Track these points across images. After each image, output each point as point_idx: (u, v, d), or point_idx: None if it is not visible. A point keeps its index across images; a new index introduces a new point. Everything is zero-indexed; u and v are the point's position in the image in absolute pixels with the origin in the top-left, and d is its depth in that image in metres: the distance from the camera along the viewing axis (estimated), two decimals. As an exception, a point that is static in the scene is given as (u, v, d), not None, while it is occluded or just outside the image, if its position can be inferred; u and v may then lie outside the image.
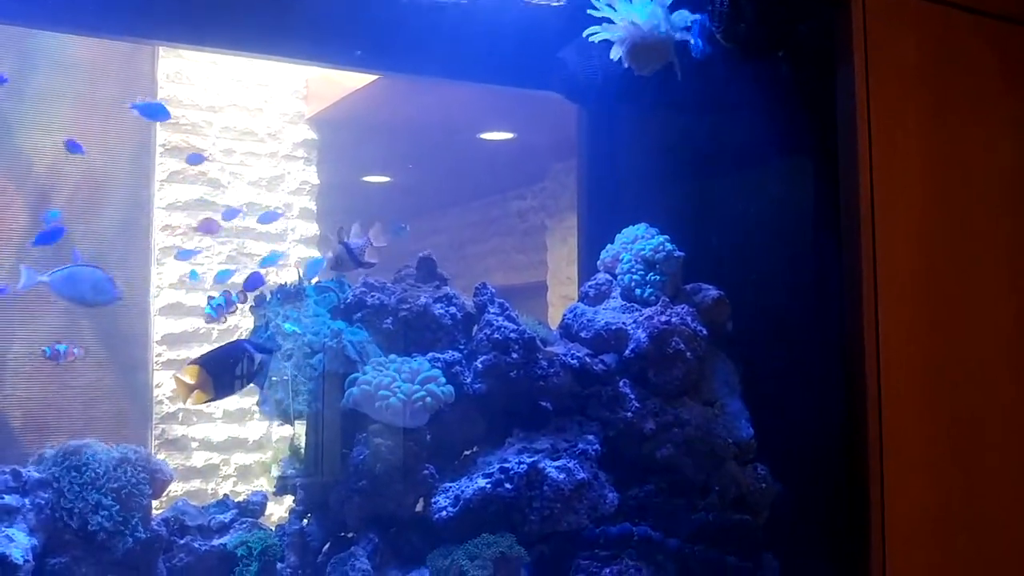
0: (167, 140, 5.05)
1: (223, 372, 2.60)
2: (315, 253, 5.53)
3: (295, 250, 5.42)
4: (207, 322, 3.74)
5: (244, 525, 2.68)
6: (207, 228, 4.40)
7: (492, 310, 2.85)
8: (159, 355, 5.10)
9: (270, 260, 4.70)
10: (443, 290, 2.90)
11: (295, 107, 5.30)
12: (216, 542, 2.62)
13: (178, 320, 5.11)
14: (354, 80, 5.04)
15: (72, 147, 3.41)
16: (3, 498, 2.34)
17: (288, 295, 2.79)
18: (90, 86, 4.91)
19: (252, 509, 2.76)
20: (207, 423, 5.07)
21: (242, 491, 5.10)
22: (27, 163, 4.77)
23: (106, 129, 4.95)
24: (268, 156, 5.23)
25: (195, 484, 4.96)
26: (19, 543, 2.28)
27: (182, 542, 2.58)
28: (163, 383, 5.05)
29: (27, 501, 2.36)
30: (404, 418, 2.63)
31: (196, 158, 4.71)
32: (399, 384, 2.61)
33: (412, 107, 5.24)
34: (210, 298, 3.40)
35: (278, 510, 3.26)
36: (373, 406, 2.61)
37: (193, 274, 4.81)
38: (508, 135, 5.51)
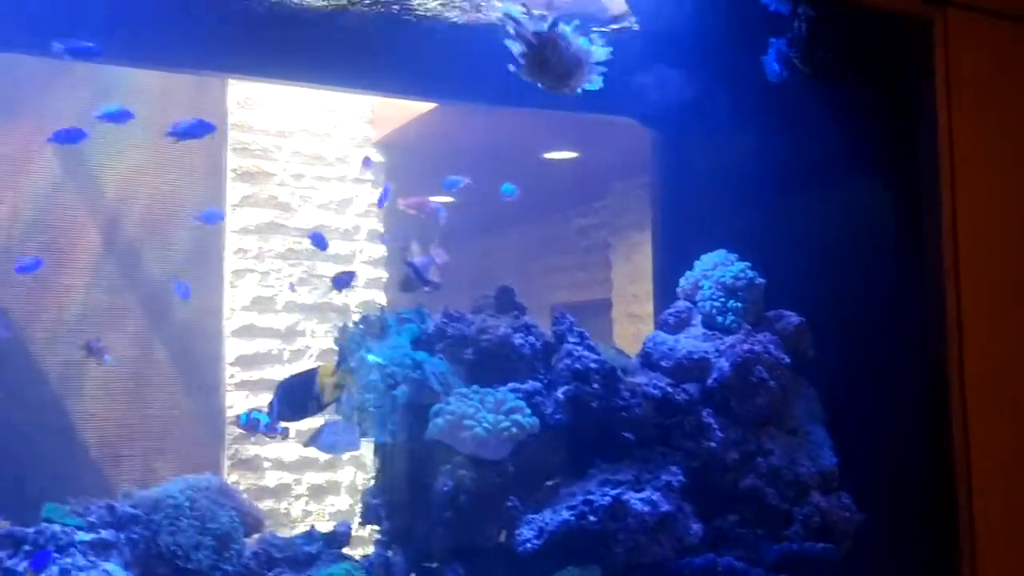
0: (238, 165, 5.15)
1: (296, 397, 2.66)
2: (382, 274, 5.59)
3: (363, 271, 5.48)
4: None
5: (330, 556, 2.70)
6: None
7: (571, 339, 2.84)
8: (232, 376, 5.19)
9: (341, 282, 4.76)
10: (522, 320, 2.90)
11: (362, 131, 5.37)
12: (304, 573, 2.65)
13: (250, 341, 5.20)
14: (419, 104, 5.09)
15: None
16: (100, 532, 2.39)
17: (372, 326, 2.82)
18: (162, 113, 5.02)
19: (338, 540, 2.78)
20: (279, 444, 5.13)
21: (314, 510, 5.15)
22: (100, 190, 4.90)
23: (178, 156, 5.06)
24: (337, 180, 5.31)
25: (268, 504, 5.03)
26: (116, 576, 2.33)
27: (270, 574, 2.61)
28: (236, 404, 5.14)
29: (122, 536, 2.41)
30: (489, 449, 2.63)
31: (211, 217, 4.75)
32: (483, 414, 2.62)
33: (475, 129, 5.27)
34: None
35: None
36: (458, 437, 2.62)
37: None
38: (571, 155, 5.51)
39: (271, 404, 2.67)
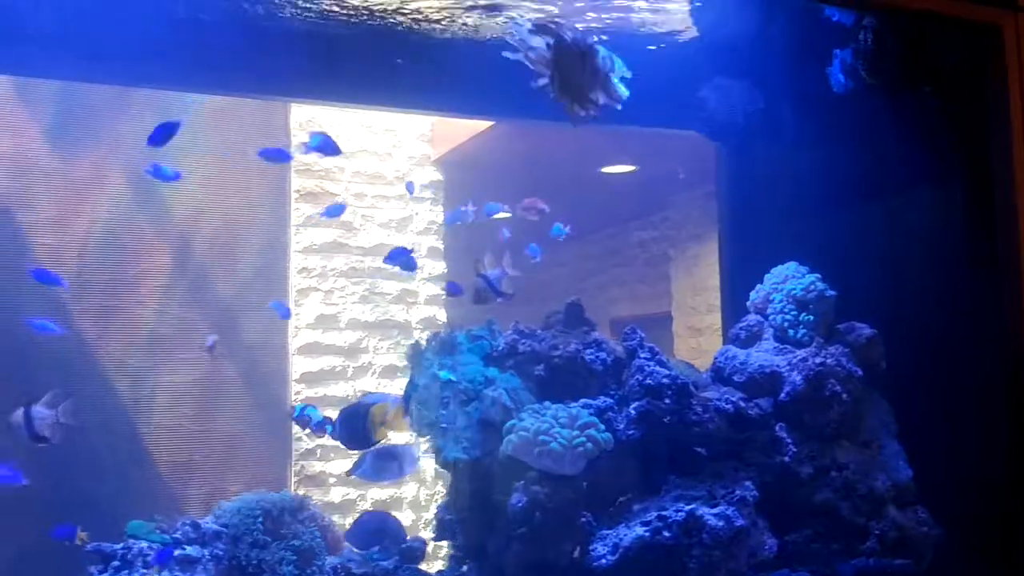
0: (302, 186, 5.24)
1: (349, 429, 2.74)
2: (442, 290, 5.63)
3: (424, 288, 5.53)
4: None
5: (407, 571, 2.73)
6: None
7: (643, 355, 2.85)
8: (297, 393, 5.27)
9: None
10: (592, 335, 2.92)
11: (421, 150, 5.43)
12: (381, 588, 2.68)
13: (316, 359, 5.27)
14: (478, 122, 5.14)
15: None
16: (185, 548, 2.45)
17: (443, 343, 2.85)
18: (227, 136, 5.15)
19: (413, 555, 2.81)
20: (344, 459, 5.19)
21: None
22: (170, 212, 5.02)
23: (243, 177, 5.17)
24: (397, 198, 5.37)
25: (334, 519, 5.09)
26: (202, 591, 2.38)
27: (350, 589, 2.65)
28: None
29: (206, 552, 2.47)
30: (564, 465, 2.64)
31: (335, 210, 4.85)
32: (558, 430, 2.63)
33: (534, 145, 5.30)
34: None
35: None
36: (532, 452, 2.64)
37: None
38: (629, 168, 5.52)
39: (333, 425, 2.73)
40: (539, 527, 2.67)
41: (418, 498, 5.41)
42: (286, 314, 4.61)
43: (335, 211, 4.83)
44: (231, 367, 5.08)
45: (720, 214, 3.59)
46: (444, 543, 2.94)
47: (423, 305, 5.47)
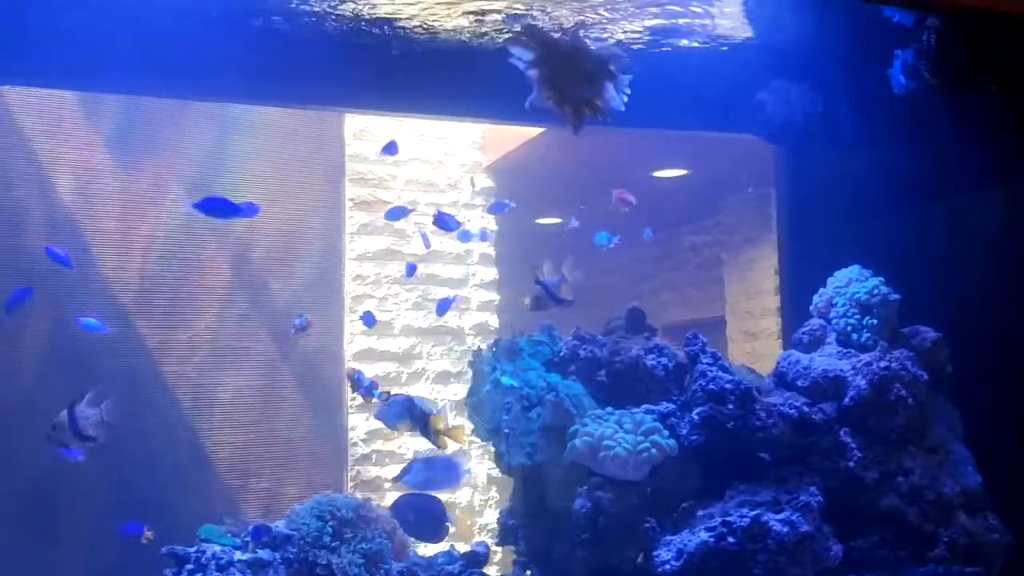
0: (356, 194, 5.29)
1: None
2: (494, 296, 5.65)
3: (476, 294, 5.55)
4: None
5: (471, 575, 2.75)
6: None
7: (705, 360, 2.84)
8: (353, 399, 5.31)
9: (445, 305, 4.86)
10: (653, 341, 2.92)
11: (473, 157, 5.46)
12: (447, 593, 2.71)
13: (370, 365, 5.32)
14: (529, 128, 5.15)
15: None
16: (257, 552, 2.49)
17: (504, 349, 2.87)
18: (283, 146, 5.22)
19: (477, 560, 2.83)
20: (400, 464, 5.23)
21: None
22: (229, 222, 5.09)
23: (299, 187, 5.24)
24: (449, 205, 5.40)
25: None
26: (274, 594, 2.42)
27: (416, 593, 2.68)
28: (357, 426, 5.26)
29: (277, 555, 2.51)
30: (628, 470, 2.65)
31: (398, 212, 4.89)
32: (622, 436, 2.64)
33: (585, 151, 5.30)
34: None
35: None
36: (596, 458, 2.65)
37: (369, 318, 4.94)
38: (681, 172, 5.49)
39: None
40: (603, 532, 2.69)
41: (472, 503, 5.43)
42: (370, 321, 4.66)
43: (397, 214, 4.86)
44: (288, 373, 5.15)
45: (779, 217, 3.57)
46: (500, 548, 2.95)
47: (475, 311, 5.50)
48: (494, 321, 5.54)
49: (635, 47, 3.35)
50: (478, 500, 5.47)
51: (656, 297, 5.98)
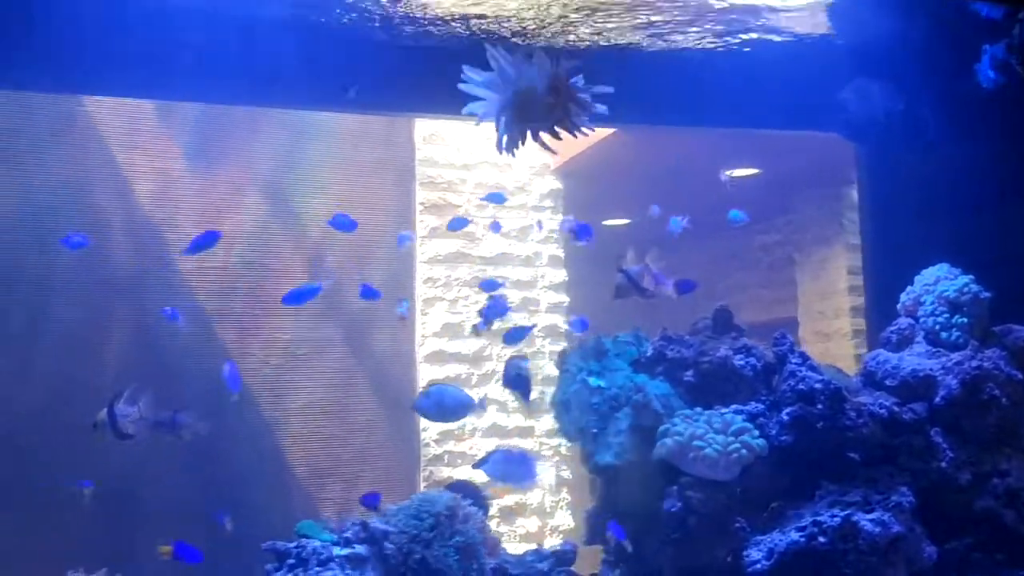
0: (426, 199, 5.35)
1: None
2: (564, 298, 5.66)
3: (545, 296, 5.58)
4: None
5: (561, 574, 2.77)
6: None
7: (793, 360, 2.83)
8: (424, 401, 5.36)
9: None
10: (740, 341, 2.92)
11: (541, 160, 5.49)
12: (538, 591, 2.73)
13: (441, 367, 5.37)
14: (597, 130, 5.15)
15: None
16: (355, 547, 2.55)
17: (590, 350, 2.89)
18: (355, 151, 5.30)
19: (566, 558, 2.86)
20: (470, 466, 5.28)
21: (504, 531, 5.27)
22: (304, 227, 5.19)
23: (371, 191, 5.32)
24: (518, 208, 5.44)
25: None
26: (371, 590, 2.47)
27: (508, 591, 2.71)
28: (429, 427, 5.31)
29: (375, 551, 2.56)
30: (718, 470, 2.65)
31: (458, 223, 4.96)
32: (712, 436, 2.64)
33: (654, 151, 5.29)
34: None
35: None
36: (686, 458, 2.65)
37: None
38: (752, 171, 5.45)
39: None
40: (693, 532, 2.70)
41: (543, 504, 5.45)
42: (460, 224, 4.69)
43: (458, 224, 4.92)
44: (361, 375, 5.22)
45: (861, 215, 3.54)
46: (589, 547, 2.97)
47: (545, 313, 5.52)
48: (563, 323, 5.56)
49: (714, 47, 3.35)
50: (549, 502, 5.49)
51: (728, 298, 5.92)
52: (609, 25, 3.11)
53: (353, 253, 5.20)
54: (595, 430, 2.76)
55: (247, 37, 3.20)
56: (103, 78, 3.10)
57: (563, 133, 2.15)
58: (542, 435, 5.46)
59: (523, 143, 2.22)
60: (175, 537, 4.56)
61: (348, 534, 2.55)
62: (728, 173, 3.93)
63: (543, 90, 2.14)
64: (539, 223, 5.20)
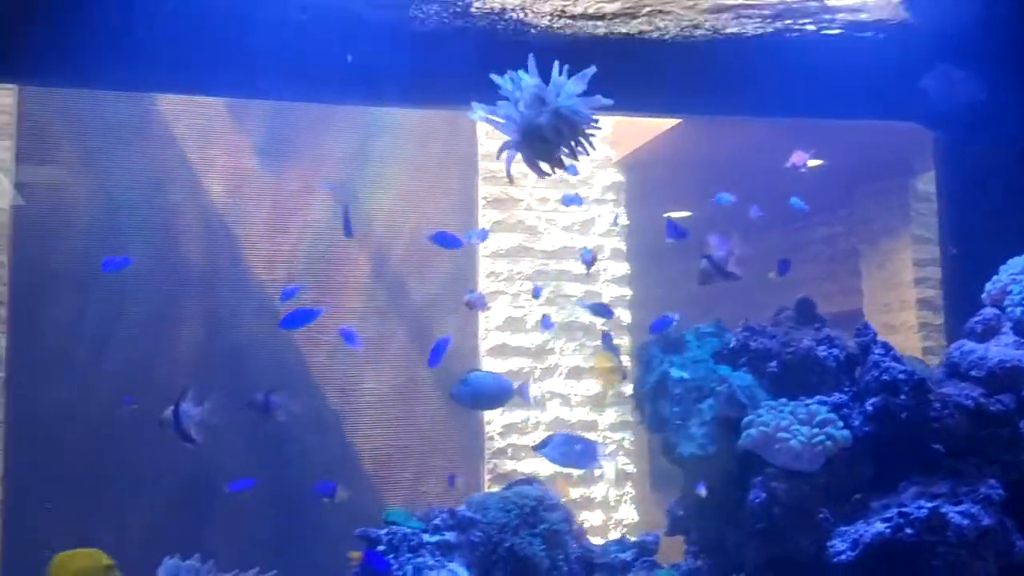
0: (488, 192, 5.39)
1: None
2: (627, 291, 5.67)
3: (607, 289, 5.59)
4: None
5: (645, 564, 2.80)
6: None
7: (877, 351, 2.82)
8: (489, 393, 5.41)
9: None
10: (823, 332, 2.91)
11: (603, 152, 5.50)
12: (621, 580, 2.76)
13: (504, 360, 5.42)
14: (660, 122, 5.16)
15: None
16: (444, 535, 2.60)
17: (670, 341, 2.91)
18: (419, 147, 5.37)
19: (648, 548, 2.88)
20: (534, 459, 5.31)
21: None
22: (369, 223, 5.27)
23: (435, 186, 5.38)
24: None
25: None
26: (461, 577, 2.52)
27: (592, 579, 2.74)
28: (493, 420, 5.35)
29: (463, 538, 2.61)
30: (803, 461, 2.65)
31: (480, 235, 4.98)
32: (797, 427, 2.65)
33: (716, 143, 5.28)
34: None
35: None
36: (771, 448, 2.66)
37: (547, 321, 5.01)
38: (816, 162, 5.41)
39: None
40: (778, 522, 2.70)
41: (607, 499, 5.47)
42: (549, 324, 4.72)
43: (479, 235, 4.93)
44: (426, 369, 5.28)
45: (940, 205, 3.50)
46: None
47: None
48: (626, 316, 5.57)
49: (788, 34, 3.32)
50: (613, 496, 5.50)
51: (790, 290, 5.88)
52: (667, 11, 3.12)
53: (417, 248, 5.27)
54: (678, 421, 2.77)
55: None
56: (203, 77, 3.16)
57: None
58: (606, 429, 5.49)
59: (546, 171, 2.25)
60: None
61: (437, 521, 2.59)
62: (799, 160, 3.84)
63: (546, 128, 2.15)
64: (616, 217, 5.20)
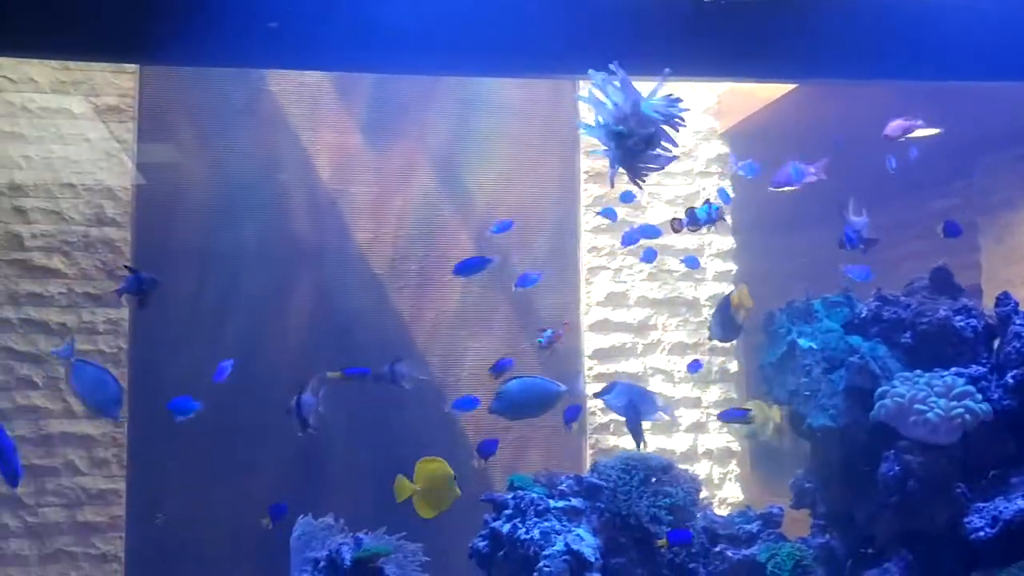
0: (591, 167, 5.35)
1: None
2: (731, 266, 5.58)
3: (712, 264, 5.51)
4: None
5: (771, 536, 2.76)
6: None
7: (1018, 321, 2.71)
8: (590, 369, 5.41)
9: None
10: (960, 302, 2.81)
11: (707, 124, 5.41)
12: (746, 551, 2.73)
13: (606, 336, 5.39)
14: (769, 91, 5.04)
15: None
16: (570, 500, 2.60)
17: (798, 312, 2.85)
18: (521, 123, 5.36)
19: (774, 520, 2.84)
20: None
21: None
22: (471, 198, 5.29)
23: (537, 162, 5.36)
24: (683, 174, 5.38)
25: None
26: (588, 543, 2.52)
27: (716, 550, 2.72)
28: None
29: (589, 504, 2.61)
30: (940, 434, 2.58)
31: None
32: (934, 399, 2.57)
33: (829, 112, 5.13)
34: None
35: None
36: (907, 421, 2.59)
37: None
38: (931, 131, 5.22)
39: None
40: (911, 496, 2.63)
41: (711, 476, 5.41)
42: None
43: (502, 227, 4.86)
44: (528, 343, 5.30)
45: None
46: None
47: (711, 282, 5.45)
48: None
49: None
50: (717, 473, 5.44)
51: (902, 266, 5.71)
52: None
53: (519, 223, 5.27)
54: (807, 392, 2.72)
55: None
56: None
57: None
58: (709, 406, 5.42)
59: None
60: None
61: (563, 487, 2.60)
62: (894, 131, 3.60)
63: (639, 136, 2.16)
64: (722, 191, 5.10)
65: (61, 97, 4.70)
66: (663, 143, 2.18)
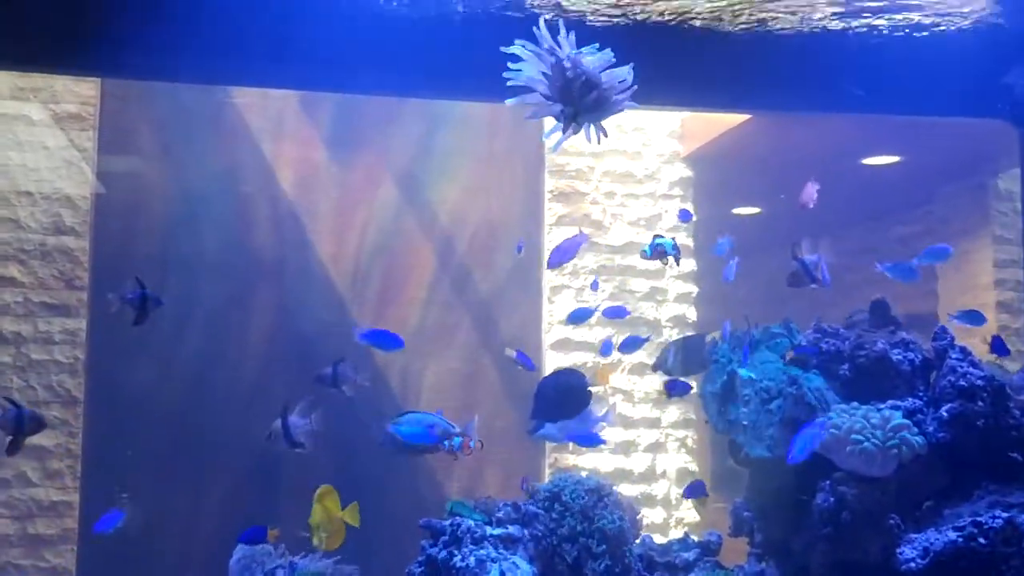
0: (555, 186, 5.38)
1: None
2: (692, 288, 5.61)
3: (673, 286, 5.54)
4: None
5: (707, 564, 2.77)
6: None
7: (954, 355, 2.75)
8: (551, 387, 5.40)
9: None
10: (899, 335, 2.84)
11: (671, 147, 5.45)
12: (683, 580, 2.74)
13: (567, 355, 5.41)
14: (731, 117, 5.08)
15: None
16: (507, 528, 2.60)
17: (738, 342, 2.87)
18: (485, 140, 5.38)
19: (712, 548, 2.85)
20: (595, 453, 5.30)
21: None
22: (435, 215, 5.31)
23: (500, 179, 5.39)
24: (647, 196, 5.41)
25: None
26: (524, 570, 2.53)
27: (653, 578, 2.73)
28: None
29: (526, 532, 2.61)
30: (875, 466, 2.60)
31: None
32: (870, 431, 2.59)
33: (789, 138, 5.18)
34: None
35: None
36: (842, 452, 2.61)
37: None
38: (893, 159, 5.29)
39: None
40: (846, 527, 2.65)
41: (668, 496, 5.43)
42: (531, 366, 4.65)
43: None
44: (488, 361, 5.30)
45: (1023, 205, 3.38)
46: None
47: (672, 303, 5.48)
48: (692, 313, 5.51)
49: (863, 29, 3.24)
50: (675, 494, 5.46)
51: (862, 291, 5.76)
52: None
53: (482, 240, 5.29)
54: (745, 422, 2.74)
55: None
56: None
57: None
58: (668, 426, 5.45)
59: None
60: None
61: (500, 514, 2.60)
62: (807, 197, 3.62)
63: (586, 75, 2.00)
64: (683, 212, 5.11)
65: (20, 104, 4.67)
66: (614, 82, 2.02)
